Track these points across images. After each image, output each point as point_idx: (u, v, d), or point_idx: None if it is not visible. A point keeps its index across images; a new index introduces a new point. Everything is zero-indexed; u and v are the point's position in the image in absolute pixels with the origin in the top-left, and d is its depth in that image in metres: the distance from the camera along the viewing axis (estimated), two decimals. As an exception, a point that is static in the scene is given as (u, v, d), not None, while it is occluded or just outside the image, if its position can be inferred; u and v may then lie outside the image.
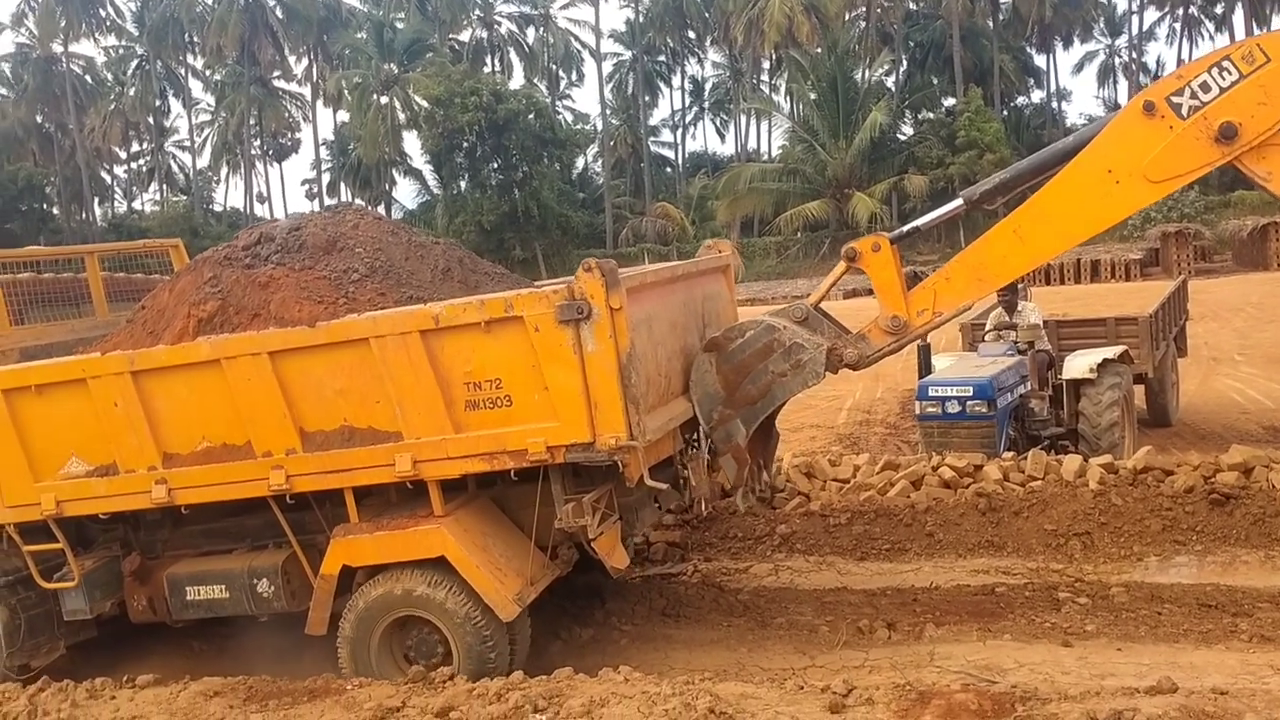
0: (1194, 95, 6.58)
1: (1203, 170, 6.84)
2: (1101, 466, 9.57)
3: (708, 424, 7.43)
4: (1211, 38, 68.18)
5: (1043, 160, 7.30)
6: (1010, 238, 7.07)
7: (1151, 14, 66.85)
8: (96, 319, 8.98)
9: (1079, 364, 12.35)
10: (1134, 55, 66.97)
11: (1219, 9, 65.58)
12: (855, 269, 7.37)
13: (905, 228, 7.89)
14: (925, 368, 12.04)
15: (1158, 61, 70.01)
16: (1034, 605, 7.84)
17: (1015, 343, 12.30)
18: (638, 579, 9.13)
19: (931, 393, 11.18)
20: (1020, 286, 13.01)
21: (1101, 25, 70.55)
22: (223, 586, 7.67)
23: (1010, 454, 10.44)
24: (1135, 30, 66.02)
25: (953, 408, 10.96)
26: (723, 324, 7.94)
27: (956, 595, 8.19)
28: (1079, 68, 72.77)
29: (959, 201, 7.49)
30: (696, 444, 8.10)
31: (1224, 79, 6.54)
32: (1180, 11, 65.73)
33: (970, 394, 10.91)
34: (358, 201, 73.14)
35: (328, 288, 7.22)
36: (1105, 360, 12.30)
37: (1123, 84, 69.79)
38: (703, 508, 9.18)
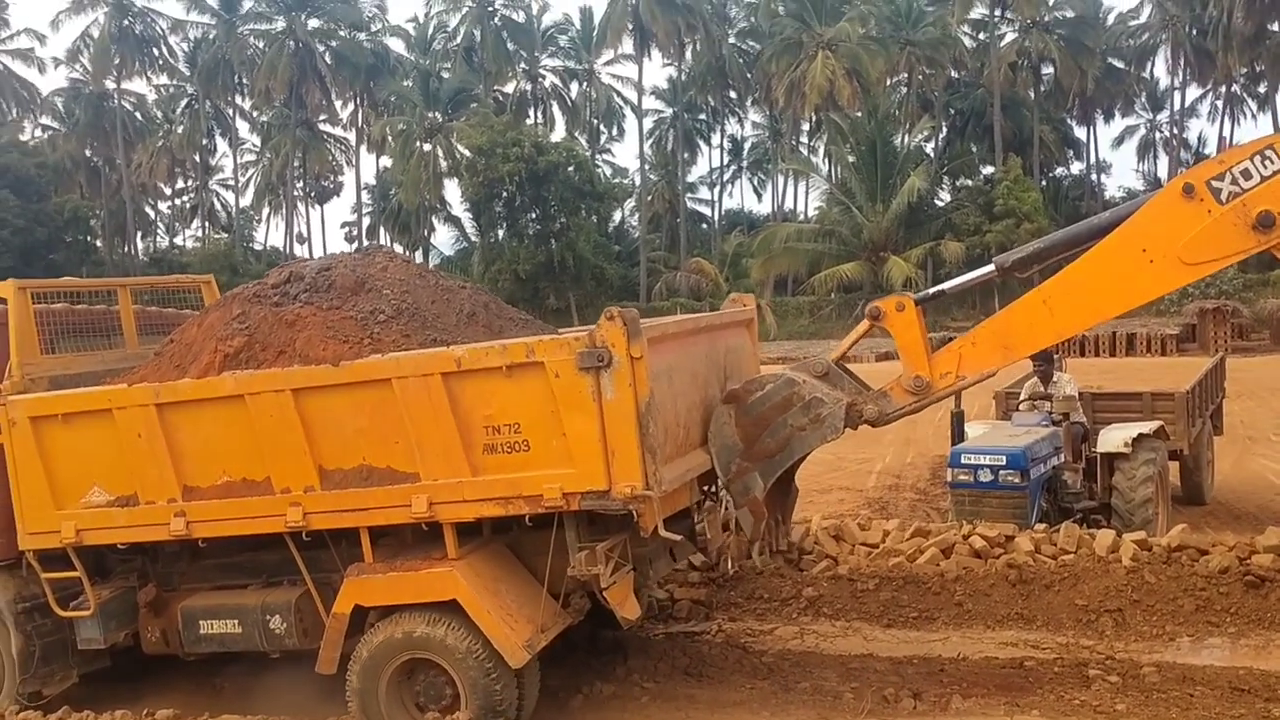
0: (1235, 181, 6.55)
1: (1238, 257, 6.81)
2: (1135, 543, 9.45)
3: (725, 476, 7.39)
4: (1254, 116, 68.26)
5: (1078, 233, 7.31)
6: (1039, 308, 7.05)
7: (1194, 90, 67.03)
8: (126, 351, 9.12)
9: (1114, 438, 12.24)
10: (1175, 131, 67.05)
11: (1262, 88, 65.62)
12: (879, 328, 7.36)
13: (931, 290, 7.87)
14: (958, 435, 11.97)
15: (1199, 138, 70.14)
16: (1063, 682, 7.70)
17: (1050, 413, 12.22)
18: (661, 636, 9.07)
19: (964, 460, 11.10)
20: (1056, 357, 12.95)
21: (1143, 100, 70.79)
22: (235, 621, 7.72)
23: (1042, 526, 10.34)
24: (1177, 106, 66.17)
25: (985, 476, 10.88)
26: (744, 377, 7.94)
27: (984, 668, 8.07)
28: (1119, 141, 72.74)
29: (991, 267, 7.50)
30: (715, 496, 8.08)
31: (1266, 168, 6.52)
32: (1223, 89, 65.77)
33: (1004, 463, 10.83)
34: (394, 246, 73.95)
35: (353, 328, 7.30)
36: (1141, 435, 12.18)
37: (1163, 159, 69.91)
38: (729, 566, 9.13)
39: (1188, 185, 6.66)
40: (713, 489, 8.04)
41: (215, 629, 7.79)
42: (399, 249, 72.89)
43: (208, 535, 7.54)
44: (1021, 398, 12.91)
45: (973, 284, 7.84)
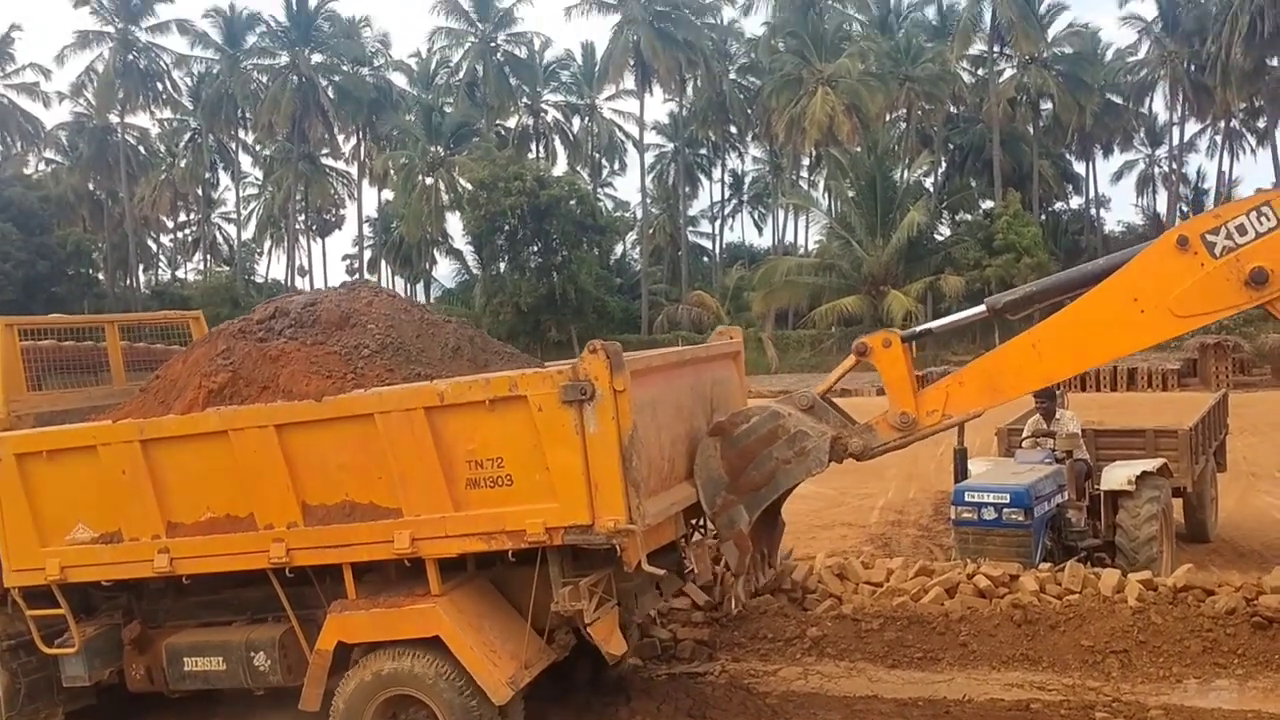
0: (1229, 236, 6.59)
1: (1229, 311, 6.84)
2: (1140, 583, 9.40)
3: (711, 509, 7.38)
4: (1253, 151, 68.63)
5: (1071, 279, 7.36)
6: (1029, 351, 7.08)
7: (1193, 125, 67.37)
8: (114, 387, 9.14)
9: (1118, 475, 12.19)
10: (1174, 166, 67.28)
11: (1261, 123, 65.99)
12: (865, 363, 7.35)
13: (919, 327, 7.89)
14: (961, 472, 11.93)
15: (1198, 173, 70.44)
16: (1070, 724, 7.66)
17: (1053, 450, 12.19)
18: (664, 677, 9.01)
19: (968, 498, 11.06)
20: (1058, 393, 12.93)
21: (1142, 135, 71.16)
22: (220, 658, 7.70)
23: (1047, 564, 10.28)
24: (1176, 141, 66.44)
25: (989, 514, 10.84)
26: (732, 409, 7.93)
27: (990, 710, 8.00)
28: (1118, 176, 72.95)
29: (982, 308, 7.56)
30: (703, 530, 8.04)
31: (1262, 224, 6.56)
32: (1222, 124, 66.12)
33: (1007, 501, 10.79)
34: (396, 278, 74.12)
35: (337, 363, 7.30)
36: (1144, 473, 12.14)
37: (1162, 194, 70.18)
38: (733, 605, 9.08)
39: (1182, 237, 6.68)
40: (700, 523, 8.00)
41: (200, 666, 7.77)
42: (400, 282, 73.41)
43: (191, 572, 7.52)
44: (1024, 434, 12.88)
45: (962, 323, 7.88)
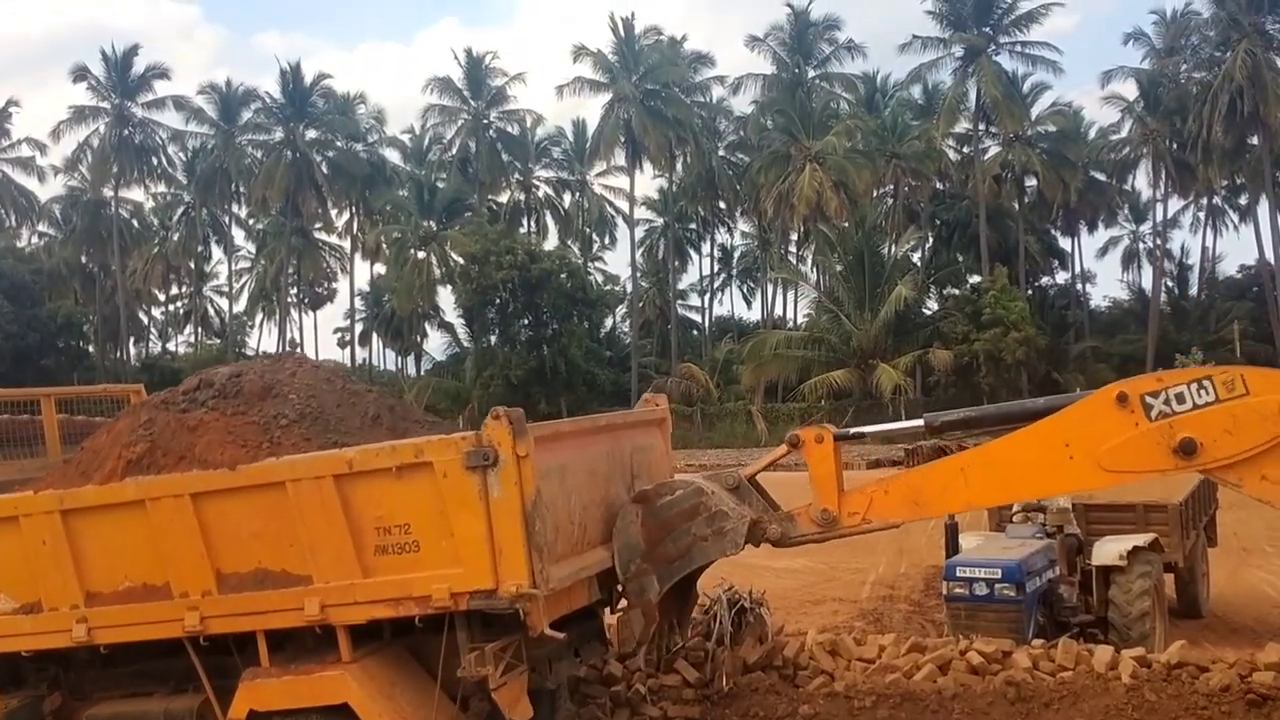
0: (1168, 402, 6.68)
1: (1154, 474, 6.94)
2: (1134, 659, 9.32)
3: (624, 574, 7.44)
4: (1236, 227, 69.53)
5: (1009, 412, 7.56)
6: (956, 475, 7.22)
7: (1176, 202, 68.19)
8: (48, 460, 9.21)
9: (1109, 550, 12.19)
10: (1158, 242, 68.00)
11: (1243, 199, 66.94)
12: (796, 455, 7.45)
13: (852, 430, 8.03)
14: (953, 546, 11.93)
15: (1182, 248, 71.14)
16: (1066, 804, 7.57)
17: (1044, 525, 12.20)
18: (655, 757, 8.89)
19: (959, 573, 11.06)
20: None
21: (1126, 211, 72.00)
22: None
23: (1039, 640, 10.23)
24: (1159, 218, 67.21)
25: (981, 590, 10.83)
26: (655, 477, 8.02)
27: (986, 789, 7.92)
28: (1104, 251, 73.62)
29: (920, 422, 7.73)
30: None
31: (1200, 396, 6.64)
32: (1205, 201, 67.02)
33: (999, 576, 10.79)
34: (387, 351, 74.15)
35: (255, 432, 7.35)
36: (1136, 548, 12.14)
37: (1147, 269, 70.77)
38: (724, 683, 9.00)
39: (1122, 394, 6.77)
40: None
41: None
42: (391, 355, 73.37)
43: (109, 641, 7.52)
44: (1015, 509, 12.88)
45: (897, 434, 8.01)
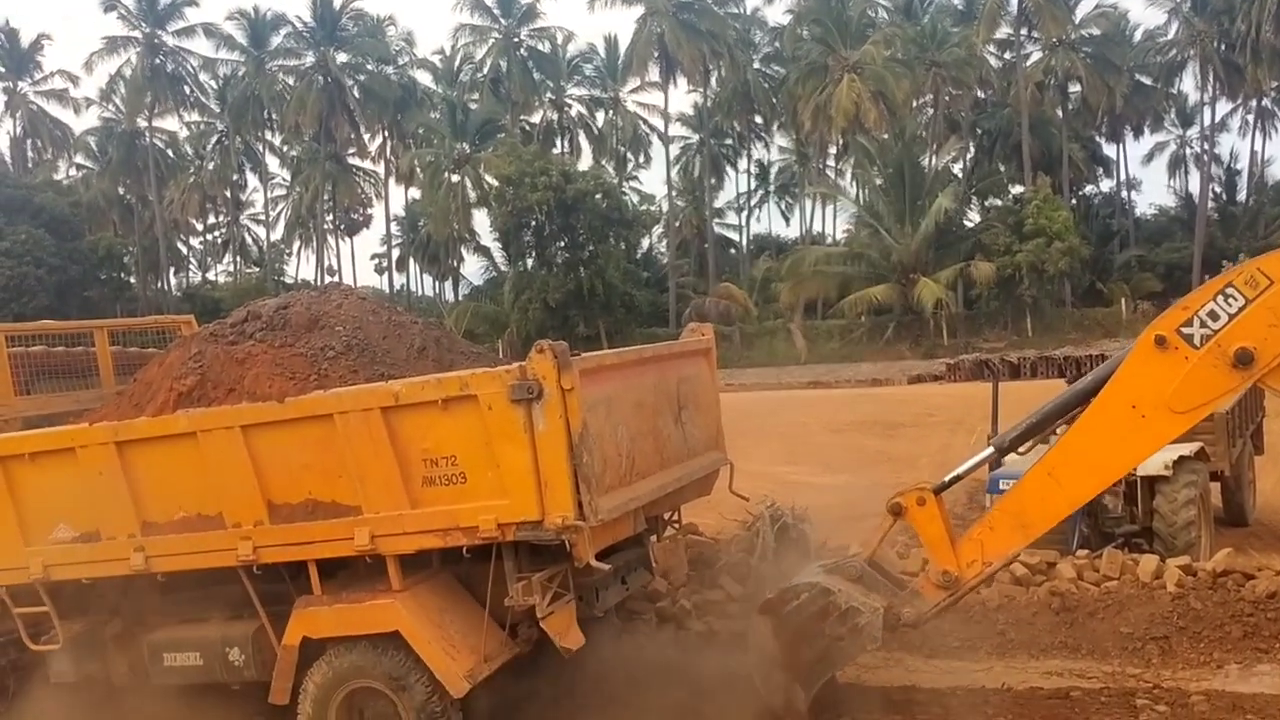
0: (1203, 324, 6.56)
1: (1227, 396, 6.73)
2: (1179, 568, 9.33)
3: (765, 689, 7.35)
4: (1286, 129, 67.60)
5: (1066, 402, 7.34)
6: (1046, 481, 7.02)
7: (1224, 105, 66.30)
8: (102, 391, 9.33)
9: (1154, 460, 12.05)
10: (1206, 147, 66.35)
11: (1294, 101, 65.10)
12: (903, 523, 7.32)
13: (947, 478, 7.66)
14: (996, 460, 11.83)
15: (1231, 152, 69.23)
16: (1110, 711, 7.63)
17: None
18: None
19: (1002, 485, 10.98)
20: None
21: (1173, 116, 70.08)
22: (198, 654, 7.89)
23: (1084, 551, 10.21)
24: (1207, 121, 65.47)
25: None
26: (702, 405, 8.04)
27: (1030, 698, 7.99)
28: (1149, 158, 71.78)
29: (990, 450, 7.59)
30: (675, 525, 8.19)
31: (1231, 305, 6.52)
32: (1253, 103, 65.24)
33: None
34: (424, 276, 74.41)
35: (303, 364, 7.45)
36: (1181, 457, 12.02)
37: (1194, 175, 69.18)
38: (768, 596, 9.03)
39: (1159, 336, 6.65)
40: (672, 518, 8.12)
41: (178, 661, 7.96)
42: (429, 279, 73.56)
43: (165, 570, 7.71)
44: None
45: (977, 468, 7.77)
